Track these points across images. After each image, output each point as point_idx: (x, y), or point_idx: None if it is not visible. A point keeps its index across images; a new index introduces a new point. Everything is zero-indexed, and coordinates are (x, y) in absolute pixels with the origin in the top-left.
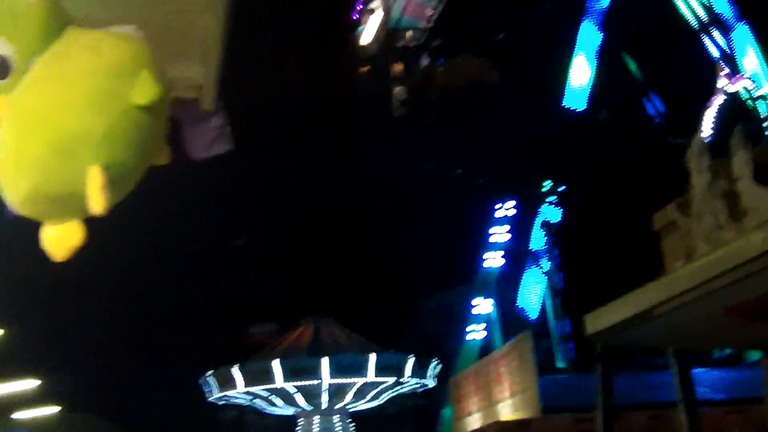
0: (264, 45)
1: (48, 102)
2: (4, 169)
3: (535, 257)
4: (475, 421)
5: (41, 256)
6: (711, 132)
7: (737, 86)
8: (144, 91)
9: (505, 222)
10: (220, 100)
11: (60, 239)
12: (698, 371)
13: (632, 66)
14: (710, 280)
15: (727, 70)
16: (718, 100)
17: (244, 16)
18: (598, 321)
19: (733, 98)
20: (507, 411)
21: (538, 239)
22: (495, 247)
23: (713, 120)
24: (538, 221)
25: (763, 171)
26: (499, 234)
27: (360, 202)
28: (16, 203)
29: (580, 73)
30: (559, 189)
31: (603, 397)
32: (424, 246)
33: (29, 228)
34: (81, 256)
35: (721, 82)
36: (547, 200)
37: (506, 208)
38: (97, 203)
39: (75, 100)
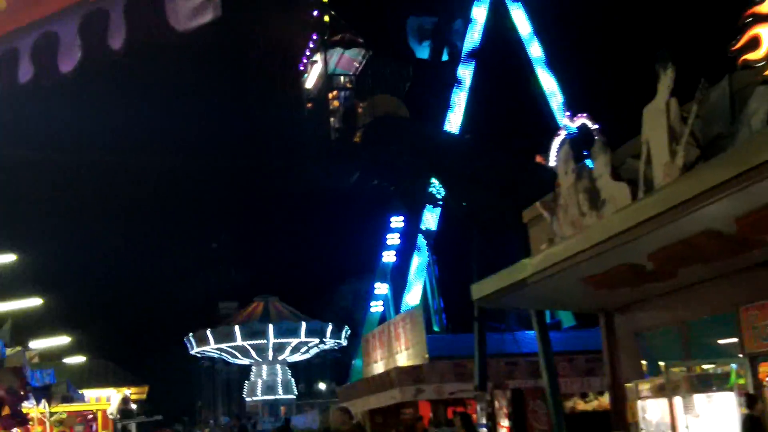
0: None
1: None
2: None
3: (418, 255)
4: (379, 367)
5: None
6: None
7: (577, 122)
8: None
9: (397, 231)
10: None
11: None
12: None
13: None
14: (574, 255)
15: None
16: (563, 133)
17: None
18: (482, 289)
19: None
20: (403, 360)
21: (420, 242)
22: (390, 248)
23: (557, 147)
24: (420, 229)
25: (616, 171)
26: (393, 239)
27: (298, 213)
28: None
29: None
30: (437, 203)
31: (479, 347)
32: (341, 247)
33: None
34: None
35: (564, 121)
36: (427, 212)
37: (398, 221)
38: None
39: None
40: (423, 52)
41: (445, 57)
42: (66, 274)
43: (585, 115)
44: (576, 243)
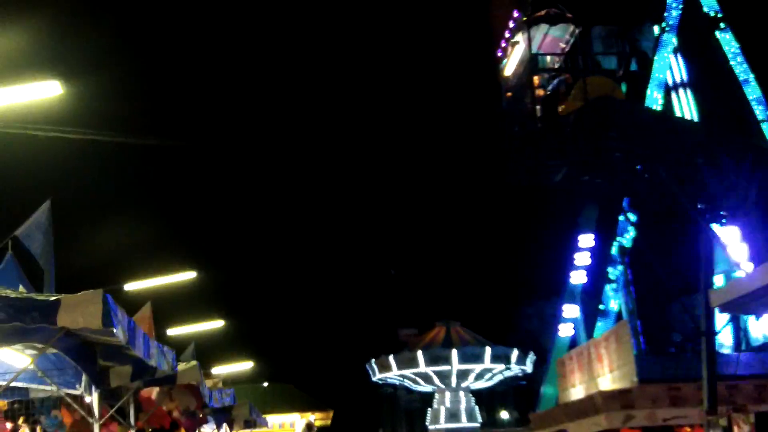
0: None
1: None
2: None
3: (612, 275)
4: (578, 392)
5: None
6: None
7: None
8: None
9: (587, 249)
10: None
11: None
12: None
13: None
14: None
15: None
16: None
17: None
18: (723, 295)
19: None
20: (607, 383)
21: (616, 259)
22: (579, 267)
23: None
24: (614, 246)
25: None
26: (582, 258)
27: (479, 233)
28: None
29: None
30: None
31: (708, 365)
32: (528, 267)
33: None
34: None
35: None
36: (622, 233)
37: (587, 239)
38: None
39: None
40: (610, 62)
41: (634, 66)
42: (245, 299)
43: None
44: None
